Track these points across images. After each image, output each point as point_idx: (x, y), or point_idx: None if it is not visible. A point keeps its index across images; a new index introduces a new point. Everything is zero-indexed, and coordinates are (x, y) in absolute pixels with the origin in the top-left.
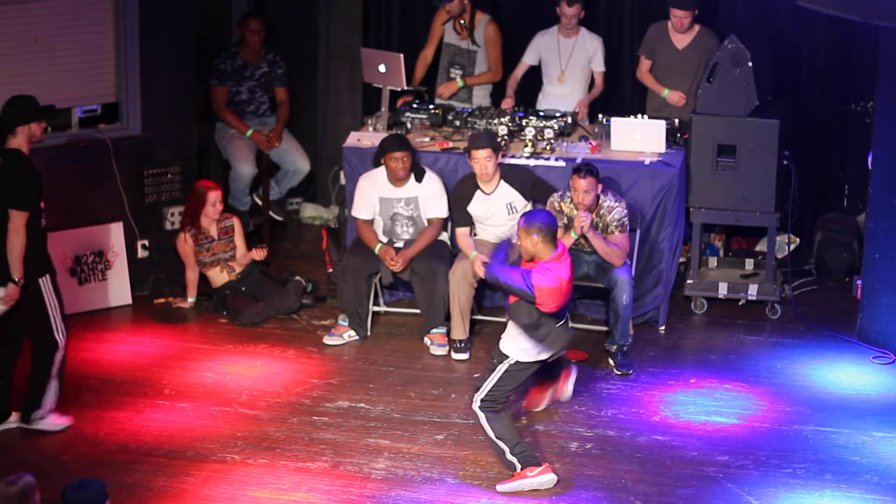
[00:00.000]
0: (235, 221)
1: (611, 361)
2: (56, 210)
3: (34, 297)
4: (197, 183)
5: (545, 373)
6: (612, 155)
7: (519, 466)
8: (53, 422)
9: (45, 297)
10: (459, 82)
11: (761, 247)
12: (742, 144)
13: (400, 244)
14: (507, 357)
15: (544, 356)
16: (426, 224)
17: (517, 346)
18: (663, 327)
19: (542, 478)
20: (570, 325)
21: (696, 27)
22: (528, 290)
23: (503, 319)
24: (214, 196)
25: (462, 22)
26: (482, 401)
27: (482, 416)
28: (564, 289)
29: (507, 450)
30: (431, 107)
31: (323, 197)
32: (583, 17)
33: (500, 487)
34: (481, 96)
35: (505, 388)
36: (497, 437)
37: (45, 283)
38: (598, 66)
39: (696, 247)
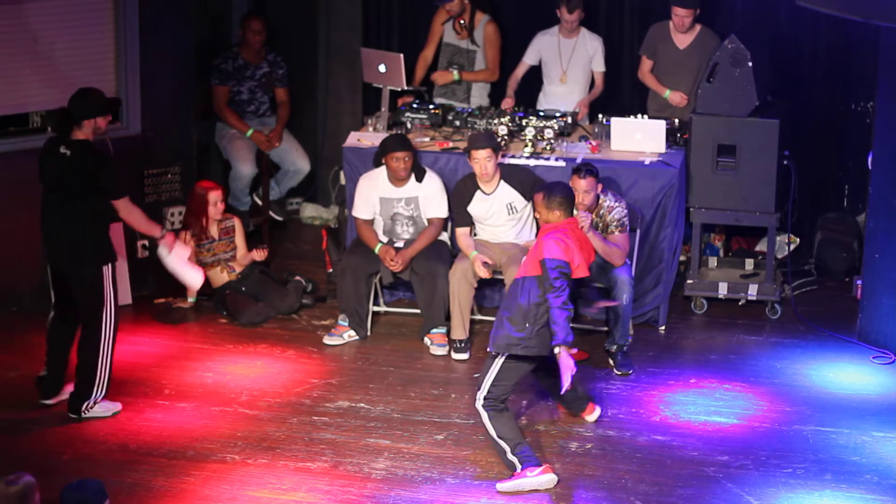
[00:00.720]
0: (236, 222)
1: (611, 361)
2: None
3: (95, 283)
4: (197, 184)
5: (567, 399)
6: (612, 155)
7: (519, 466)
8: (104, 408)
9: (105, 284)
10: (455, 75)
11: (761, 247)
12: (742, 144)
13: (400, 244)
14: (502, 353)
15: (540, 350)
16: (426, 224)
17: (506, 339)
18: (663, 327)
19: (543, 478)
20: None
21: (698, 27)
22: (564, 270)
23: None
24: (215, 196)
25: (462, 22)
26: (484, 398)
27: (484, 415)
28: (576, 246)
29: (508, 450)
30: (431, 107)
31: (323, 197)
32: (583, 17)
33: (499, 486)
34: (479, 96)
35: (505, 384)
36: (499, 437)
37: (107, 271)
38: (599, 67)
39: (696, 247)
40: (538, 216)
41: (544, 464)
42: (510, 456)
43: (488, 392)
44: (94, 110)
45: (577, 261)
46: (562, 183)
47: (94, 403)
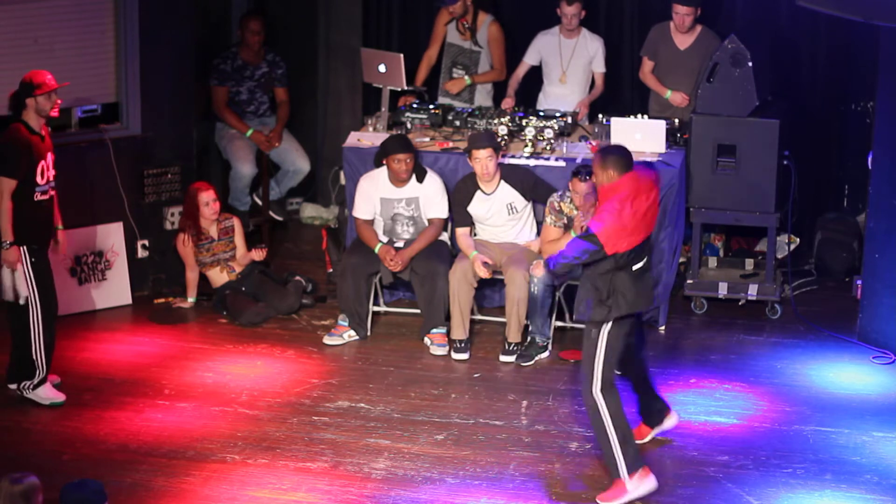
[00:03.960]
0: (236, 222)
1: None
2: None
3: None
4: (191, 185)
5: (645, 409)
6: None
7: (625, 471)
8: (45, 394)
9: (22, 266)
10: (467, 80)
11: (761, 247)
12: (742, 144)
13: (400, 244)
14: (603, 322)
15: (639, 307)
16: (427, 224)
17: (598, 308)
18: (663, 327)
19: (645, 486)
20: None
21: (699, 28)
22: (591, 247)
23: (503, 319)
24: (206, 196)
25: (465, 23)
26: (602, 383)
27: (602, 404)
28: (631, 217)
29: (616, 443)
30: (431, 107)
31: (323, 197)
32: (583, 17)
33: (599, 499)
34: (483, 96)
35: (612, 361)
36: (613, 426)
37: (23, 251)
38: (599, 67)
39: (696, 247)
40: (595, 181)
41: (644, 466)
42: (617, 452)
43: (602, 376)
44: (29, 91)
45: (618, 243)
46: (618, 144)
47: (33, 386)
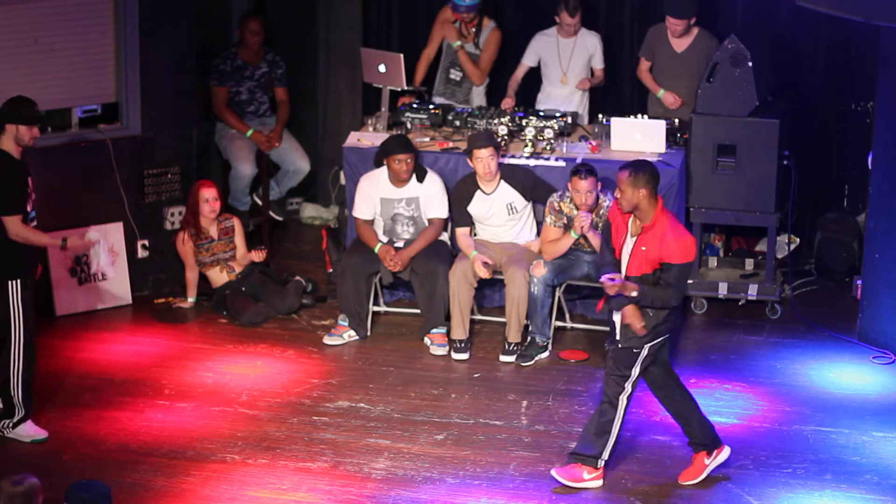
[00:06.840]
0: (236, 222)
1: None
2: (56, 210)
3: (1, 297)
4: (197, 181)
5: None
6: (612, 155)
7: (601, 462)
8: (25, 432)
9: (11, 300)
10: (462, 46)
11: (761, 247)
12: (742, 144)
13: (400, 244)
14: (646, 339)
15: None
16: (427, 224)
17: (652, 325)
18: None
19: (597, 482)
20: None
21: (696, 30)
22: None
23: (503, 319)
24: (207, 193)
25: (471, 27)
26: (631, 390)
27: (623, 407)
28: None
29: (611, 443)
30: (431, 107)
31: (323, 197)
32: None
33: (555, 472)
34: (478, 98)
35: (640, 373)
36: (617, 429)
37: (14, 286)
38: (598, 64)
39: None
40: (620, 198)
41: (601, 468)
42: (605, 451)
43: (633, 385)
44: (13, 117)
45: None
46: (648, 161)
47: (13, 425)
